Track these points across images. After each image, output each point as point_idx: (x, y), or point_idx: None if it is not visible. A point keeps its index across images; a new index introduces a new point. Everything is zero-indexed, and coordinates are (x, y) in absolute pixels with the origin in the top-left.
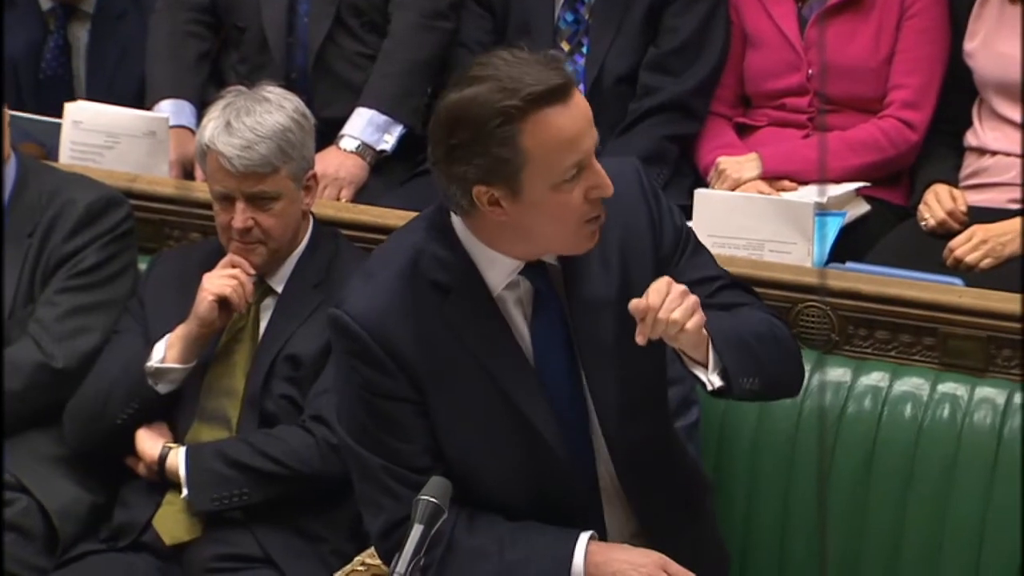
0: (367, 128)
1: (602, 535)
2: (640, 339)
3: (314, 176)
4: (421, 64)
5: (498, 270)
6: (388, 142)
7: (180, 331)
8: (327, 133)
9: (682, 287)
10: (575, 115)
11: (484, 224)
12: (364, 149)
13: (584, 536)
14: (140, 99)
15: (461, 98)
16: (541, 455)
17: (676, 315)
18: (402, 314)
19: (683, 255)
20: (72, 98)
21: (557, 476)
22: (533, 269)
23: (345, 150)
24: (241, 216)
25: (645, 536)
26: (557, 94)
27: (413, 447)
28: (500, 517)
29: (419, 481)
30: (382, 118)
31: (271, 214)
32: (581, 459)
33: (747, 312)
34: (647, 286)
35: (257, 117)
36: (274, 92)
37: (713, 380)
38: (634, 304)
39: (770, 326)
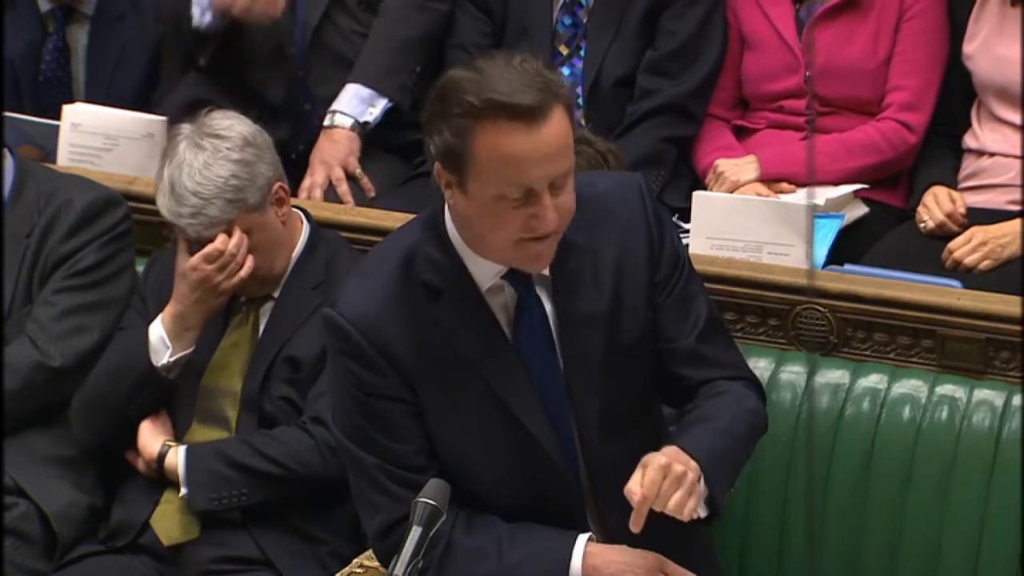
0: (352, 101)
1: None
2: (635, 528)
3: (281, 187)
4: (410, 42)
5: (483, 269)
6: (372, 114)
7: (185, 322)
8: (324, 111)
9: (678, 470)
10: (535, 142)
11: (453, 212)
12: (352, 122)
13: (583, 537)
14: (139, 101)
15: (451, 76)
16: (532, 455)
17: (671, 505)
18: (395, 315)
19: (677, 284)
20: (71, 100)
21: (547, 475)
22: (516, 275)
23: (327, 127)
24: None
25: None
26: (518, 112)
27: (408, 447)
28: (498, 518)
29: (415, 480)
30: (367, 91)
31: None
32: (567, 461)
33: (725, 399)
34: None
35: (197, 177)
36: (210, 137)
37: (700, 513)
38: (629, 491)
39: (745, 413)
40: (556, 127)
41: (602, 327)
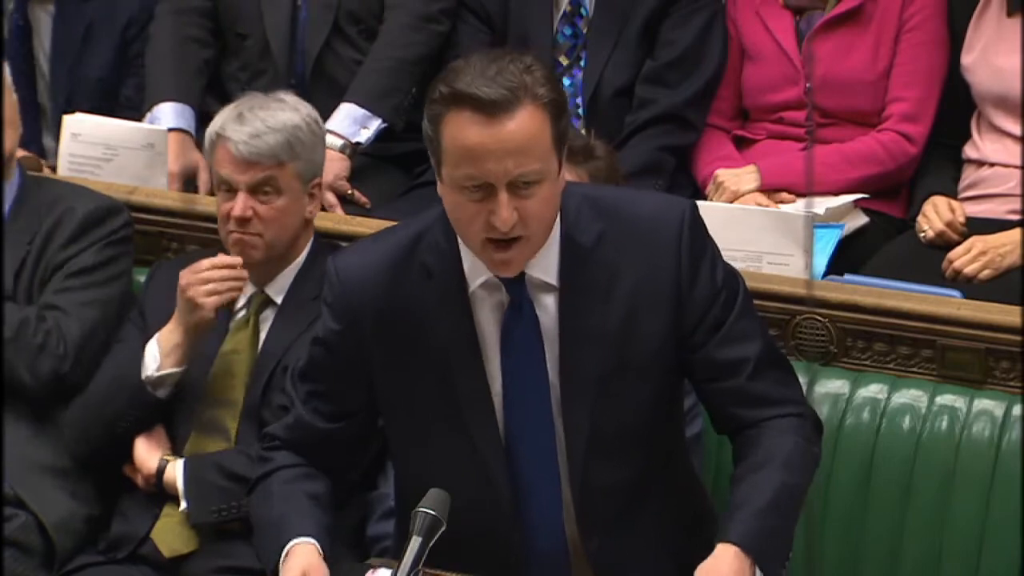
0: (344, 121)
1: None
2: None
3: (319, 185)
4: (407, 63)
5: (476, 263)
6: (365, 135)
7: (173, 337)
8: None
9: None
10: (492, 135)
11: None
12: (343, 143)
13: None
14: (105, 84)
15: (450, 64)
16: (471, 462)
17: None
18: (382, 283)
19: (720, 324)
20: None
21: (481, 486)
22: (512, 280)
23: None
24: (241, 204)
25: None
26: (477, 104)
27: (330, 405)
28: (317, 491)
29: (320, 430)
30: (361, 111)
31: (271, 207)
32: (537, 489)
33: (777, 456)
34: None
35: (270, 112)
36: (290, 96)
37: None
38: None
39: (800, 464)
40: (521, 125)
41: (605, 344)
